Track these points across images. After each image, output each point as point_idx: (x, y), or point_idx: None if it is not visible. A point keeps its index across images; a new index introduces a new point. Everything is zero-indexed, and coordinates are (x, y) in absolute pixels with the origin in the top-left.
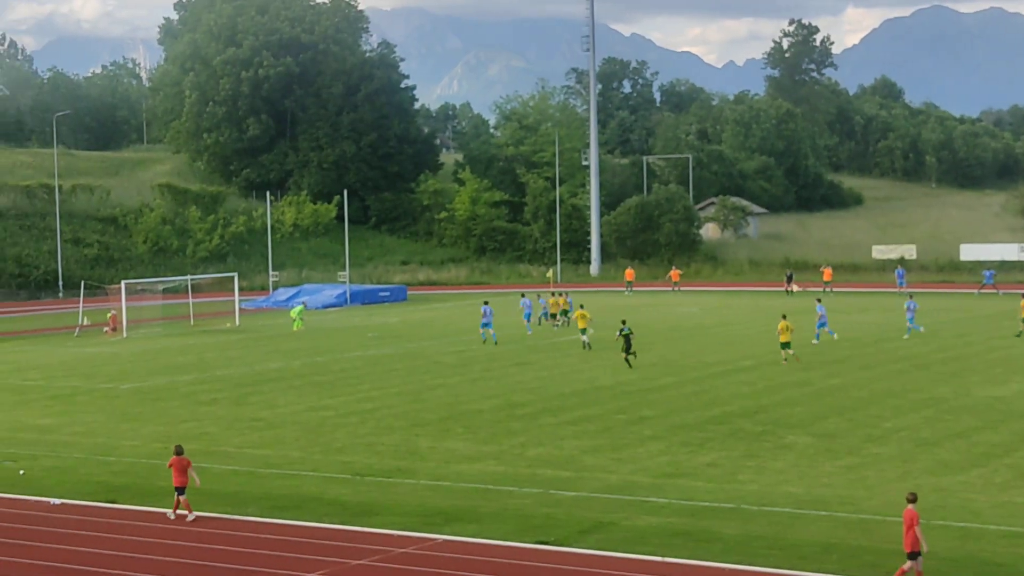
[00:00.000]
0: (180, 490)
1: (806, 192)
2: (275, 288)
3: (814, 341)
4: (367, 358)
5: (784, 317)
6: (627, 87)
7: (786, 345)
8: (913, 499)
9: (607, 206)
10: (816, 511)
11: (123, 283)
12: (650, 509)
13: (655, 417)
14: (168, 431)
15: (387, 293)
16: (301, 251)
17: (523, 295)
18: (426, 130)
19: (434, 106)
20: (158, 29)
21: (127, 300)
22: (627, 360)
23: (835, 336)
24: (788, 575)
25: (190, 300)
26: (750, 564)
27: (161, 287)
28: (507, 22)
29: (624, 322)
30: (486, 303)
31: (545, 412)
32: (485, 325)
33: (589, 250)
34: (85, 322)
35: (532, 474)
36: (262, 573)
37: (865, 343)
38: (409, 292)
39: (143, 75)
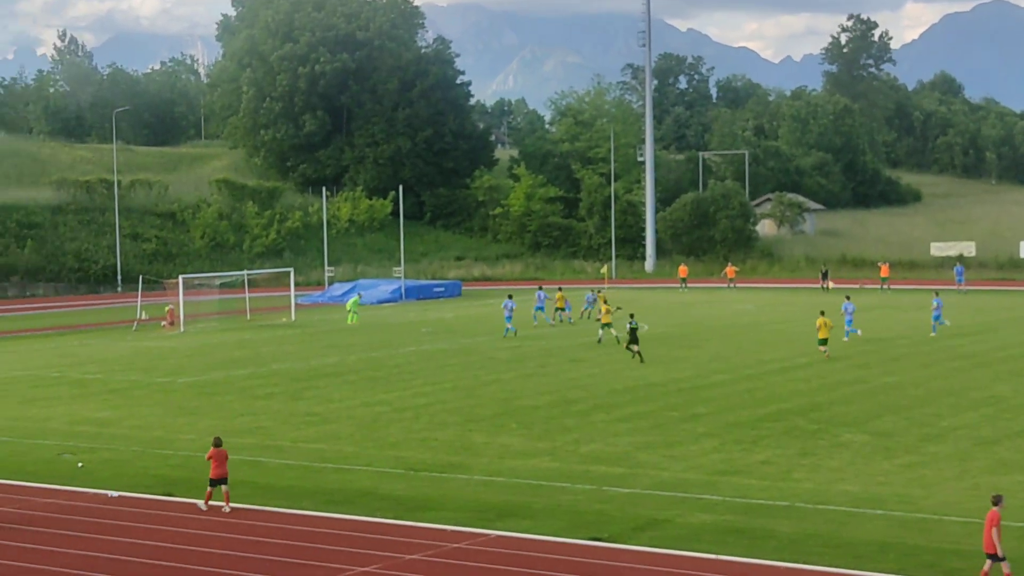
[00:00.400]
0: (217, 481)
1: (864, 188)
2: (330, 283)
3: (858, 333)
4: (421, 353)
5: (822, 313)
6: (683, 83)
7: (823, 342)
8: (995, 501)
9: (662, 202)
10: (872, 510)
11: (180, 278)
12: (704, 506)
13: (709, 414)
14: (224, 425)
15: (442, 288)
16: (356, 246)
17: (540, 287)
18: (481, 126)
19: (489, 102)
20: (216, 25)
21: (184, 295)
22: (631, 350)
23: (847, 339)
24: (843, 574)
25: (246, 295)
26: (805, 563)
27: (218, 282)
28: (563, 18)
29: (632, 316)
30: (510, 296)
31: (598, 408)
32: (509, 319)
33: (644, 246)
34: (143, 316)
35: (585, 470)
36: (316, 567)
37: (921, 341)
38: (464, 288)
39: (201, 71)
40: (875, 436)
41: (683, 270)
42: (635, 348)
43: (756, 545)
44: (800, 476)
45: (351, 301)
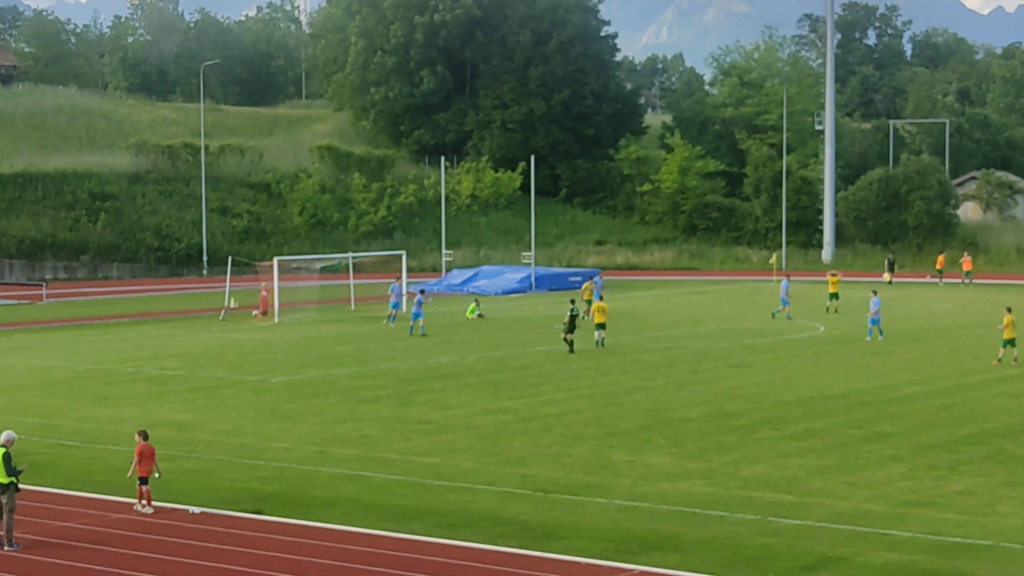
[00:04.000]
0: (145, 480)
1: None
2: (449, 269)
3: (867, 339)
4: (553, 354)
5: (1009, 311)
6: (872, 38)
7: (1010, 343)
8: None
9: (844, 179)
10: None
11: (275, 260)
12: (889, 543)
13: (897, 433)
14: (323, 432)
15: (579, 278)
16: (479, 227)
17: (397, 279)
18: (629, 86)
19: (639, 58)
20: None
21: (280, 279)
22: (565, 340)
23: (882, 337)
24: None
25: (351, 281)
26: None
27: (319, 265)
28: None
29: (573, 302)
30: (422, 292)
31: (764, 424)
32: (416, 315)
33: (821, 232)
34: (232, 304)
35: (747, 497)
36: None
37: None
38: (605, 278)
39: (303, 19)
40: None
41: (967, 263)
42: (570, 337)
43: None
44: (1006, 510)
45: (471, 309)
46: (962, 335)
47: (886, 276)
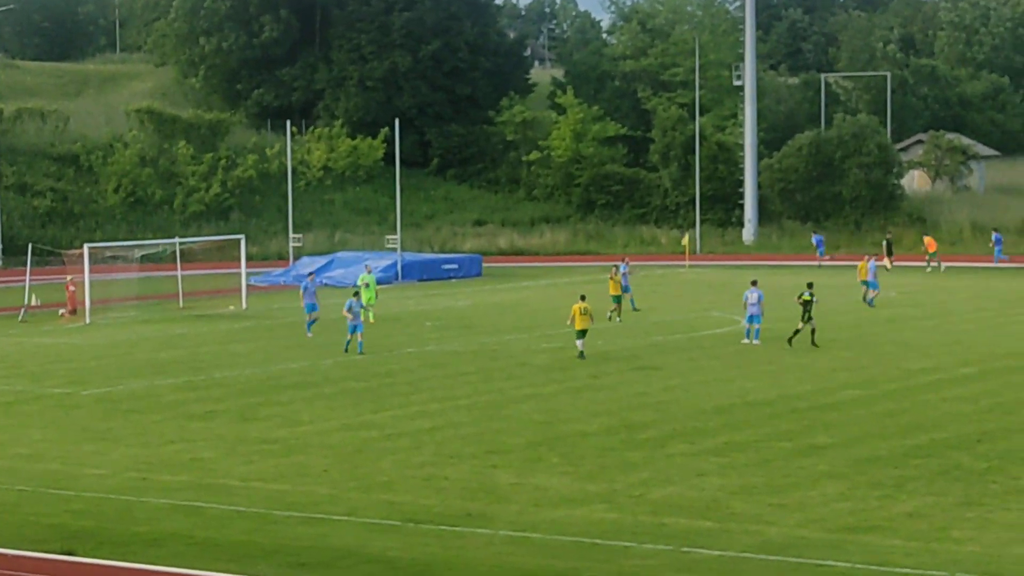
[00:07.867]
0: None
1: None
2: (297, 257)
3: (744, 340)
4: (425, 356)
5: None
6: None
7: None
8: None
9: (768, 145)
10: None
11: (86, 247)
12: (826, 575)
13: (834, 446)
14: (147, 455)
15: (454, 266)
16: (334, 205)
17: (310, 274)
18: (512, 35)
19: (523, 1)
20: None
21: (92, 271)
22: (798, 331)
23: (757, 341)
24: None
25: (178, 273)
26: None
27: (139, 253)
28: None
29: (810, 285)
30: (356, 295)
31: (677, 437)
32: (354, 328)
33: (741, 207)
34: (33, 301)
35: (657, 524)
36: None
37: None
38: (485, 264)
39: None
40: None
41: (931, 244)
42: (801, 326)
43: None
44: (962, 535)
45: (362, 279)
46: (909, 328)
47: (887, 262)
